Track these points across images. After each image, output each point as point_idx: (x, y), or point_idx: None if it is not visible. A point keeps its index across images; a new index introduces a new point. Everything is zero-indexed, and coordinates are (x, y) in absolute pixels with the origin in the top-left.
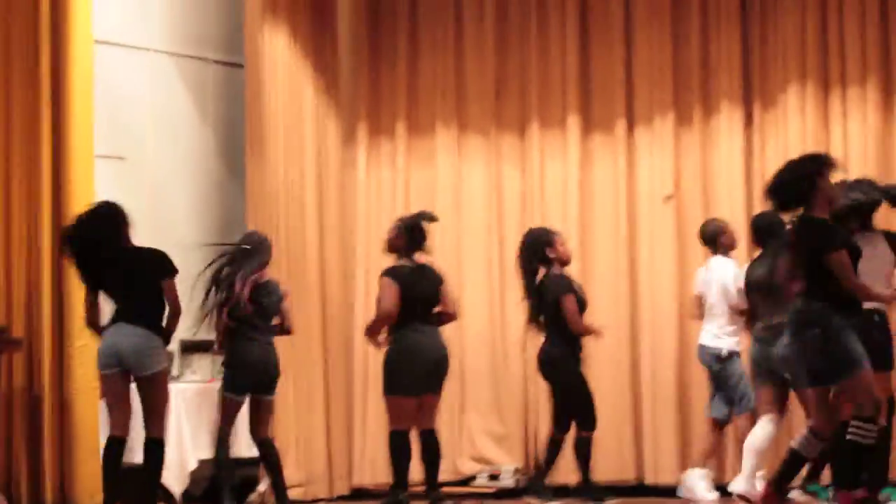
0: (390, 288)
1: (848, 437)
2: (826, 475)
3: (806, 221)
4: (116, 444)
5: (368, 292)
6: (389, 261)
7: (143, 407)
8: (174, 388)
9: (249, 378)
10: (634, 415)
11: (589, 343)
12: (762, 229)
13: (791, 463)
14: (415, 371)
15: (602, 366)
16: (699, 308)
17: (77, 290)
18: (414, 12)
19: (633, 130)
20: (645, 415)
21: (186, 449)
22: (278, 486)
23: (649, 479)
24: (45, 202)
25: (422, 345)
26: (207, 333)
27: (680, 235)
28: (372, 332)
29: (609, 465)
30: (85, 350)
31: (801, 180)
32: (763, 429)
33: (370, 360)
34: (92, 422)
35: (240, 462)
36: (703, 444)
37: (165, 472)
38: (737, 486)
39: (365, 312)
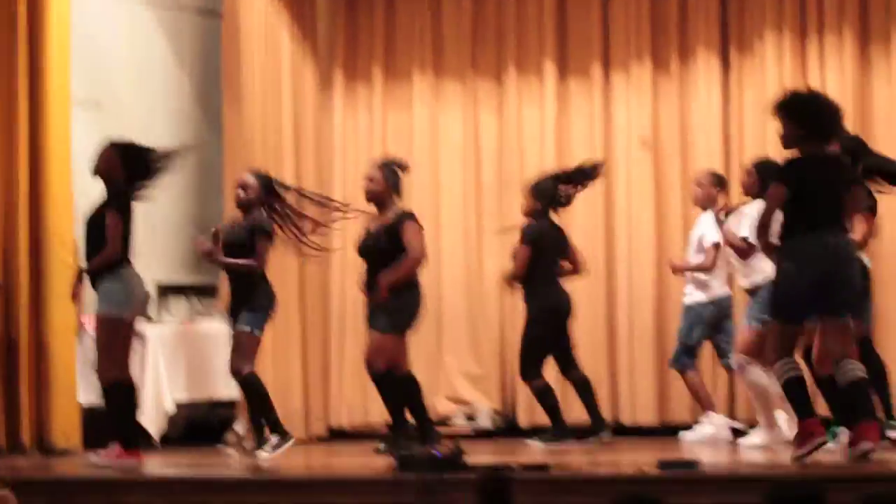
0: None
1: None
2: None
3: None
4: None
5: (345, 235)
6: (365, 205)
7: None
8: (150, 331)
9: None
10: (610, 357)
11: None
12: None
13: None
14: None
15: (578, 309)
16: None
17: (54, 231)
18: None
19: (610, 77)
20: (621, 357)
21: (164, 392)
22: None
23: (626, 420)
24: (23, 147)
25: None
26: (185, 276)
27: (657, 181)
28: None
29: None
30: (62, 295)
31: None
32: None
33: (347, 303)
34: (68, 364)
35: (217, 403)
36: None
37: (143, 416)
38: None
39: (341, 255)
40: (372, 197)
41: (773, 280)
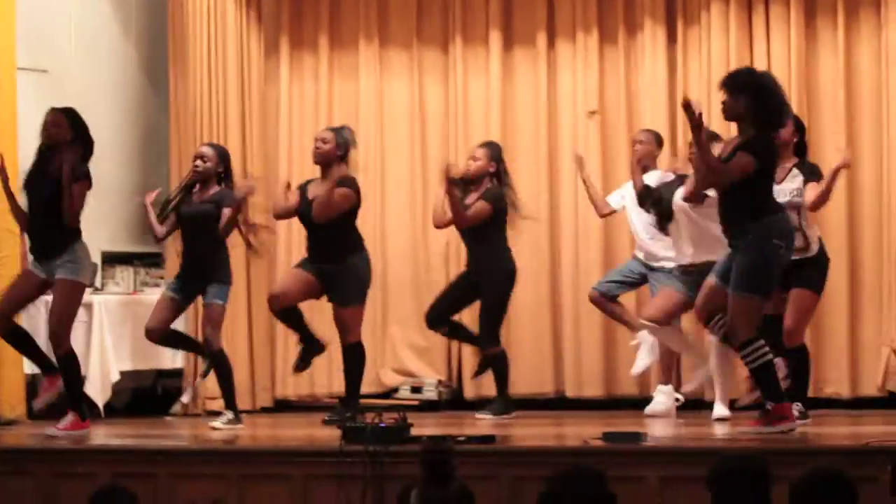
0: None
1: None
2: None
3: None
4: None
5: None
6: (312, 173)
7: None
8: (96, 300)
9: None
10: (554, 328)
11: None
12: None
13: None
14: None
15: (522, 281)
16: None
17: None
18: None
19: (556, 47)
20: (566, 328)
21: (109, 361)
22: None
23: (572, 392)
24: None
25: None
26: (131, 245)
27: (603, 151)
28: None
29: (529, 377)
30: (6, 261)
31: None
32: None
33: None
34: None
35: (162, 373)
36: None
37: (88, 385)
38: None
39: (286, 225)
40: (321, 159)
41: (757, 254)
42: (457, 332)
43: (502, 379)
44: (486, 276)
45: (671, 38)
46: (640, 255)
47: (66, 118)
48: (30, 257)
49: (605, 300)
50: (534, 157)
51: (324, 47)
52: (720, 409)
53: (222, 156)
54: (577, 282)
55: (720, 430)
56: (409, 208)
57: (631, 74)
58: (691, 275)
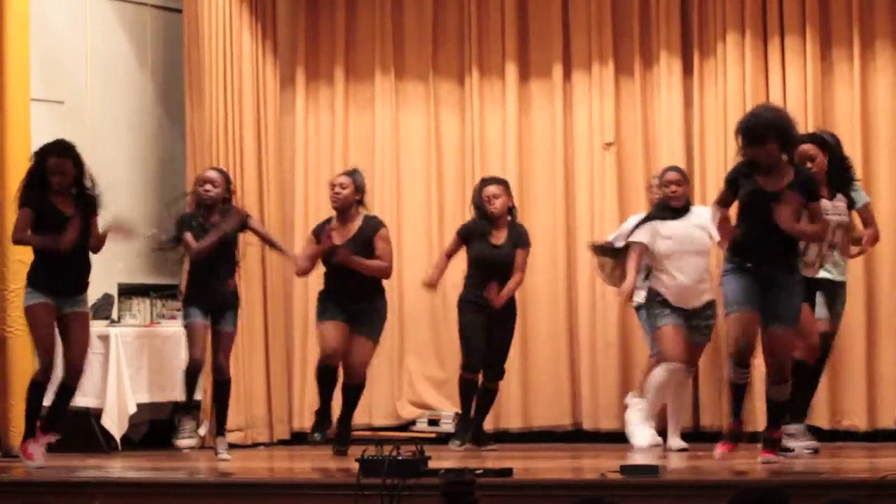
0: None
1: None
2: None
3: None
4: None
5: (306, 235)
6: (327, 206)
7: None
8: (112, 332)
9: None
10: (571, 362)
11: (525, 289)
12: None
13: None
14: None
15: (539, 313)
16: None
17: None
18: None
19: (571, 79)
20: (583, 361)
21: (126, 393)
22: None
23: (588, 425)
24: None
25: None
26: (147, 277)
27: (620, 183)
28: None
29: (546, 410)
30: (19, 293)
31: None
32: None
33: (310, 305)
34: (27, 365)
35: (179, 405)
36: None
37: (105, 417)
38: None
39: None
40: (342, 204)
41: (802, 291)
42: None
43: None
44: (510, 311)
45: (687, 69)
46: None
47: (72, 162)
48: (30, 290)
49: None
50: (550, 188)
51: (339, 78)
52: (678, 441)
53: (227, 181)
54: (594, 314)
55: (737, 464)
56: (425, 239)
57: (647, 106)
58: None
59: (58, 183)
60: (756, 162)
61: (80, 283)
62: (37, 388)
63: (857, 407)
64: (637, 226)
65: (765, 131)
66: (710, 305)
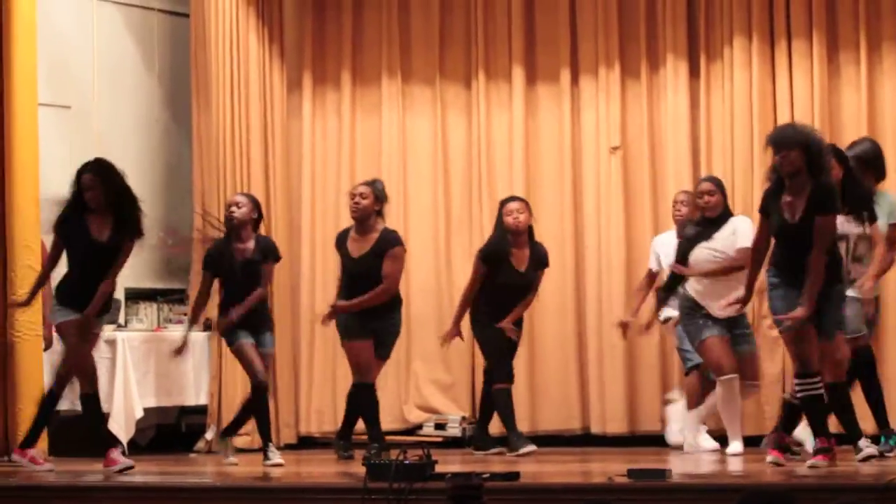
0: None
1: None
2: None
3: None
4: None
5: (314, 240)
6: (334, 211)
7: None
8: (119, 336)
9: None
10: (580, 366)
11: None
12: None
13: None
14: None
15: (547, 317)
16: None
17: (20, 237)
18: None
19: (579, 82)
20: (591, 365)
21: (133, 398)
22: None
23: (596, 429)
24: None
25: None
26: (154, 282)
27: (626, 186)
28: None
29: (554, 414)
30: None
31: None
32: None
33: (316, 311)
34: (35, 369)
35: (186, 410)
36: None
37: (112, 422)
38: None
39: (310, 261)
40: (361, 214)
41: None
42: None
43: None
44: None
45: (693, 72)
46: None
47: (100, 180)
48: (59, 307)
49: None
50: (557, 192)
51: (346, 83)
52: (738, 446)
53: (256, 203)
54: (601, 318)
55: (743, 467)
56: (432, 243)
57: (654, 109)
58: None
59: (90, 199)
60: (780, 171)
61: (106, 304)
62: (91, 400)
63: (864, 411)
64: (683, 248)
65: (790, 139)
66: (744, 315)
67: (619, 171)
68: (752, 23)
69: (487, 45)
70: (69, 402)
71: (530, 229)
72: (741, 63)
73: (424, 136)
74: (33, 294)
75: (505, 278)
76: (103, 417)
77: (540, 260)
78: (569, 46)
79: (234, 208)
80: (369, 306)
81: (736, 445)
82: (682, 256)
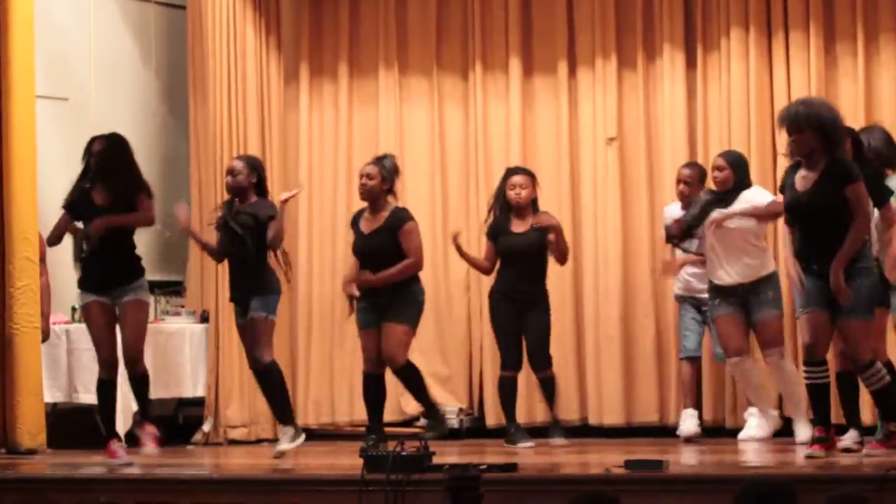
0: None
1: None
2: None
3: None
4: None
5: (311, 232)
6: (331, 202)
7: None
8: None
9: None
10: (577, 356)
11: None
12: None
13: None
14: None
15: None
16: None
17: (18, 228)
18: None
19: (576, 73)
20: (588, 356)
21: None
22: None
23: (593, 420)
24: None
25: None
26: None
27: (623, 177)
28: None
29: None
30: (26, 290)
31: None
32: None
33: (313, 302)
34: (34, 362)
35: (184, 402)
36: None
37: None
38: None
39: (307, 252)
40: (368, 196)
41: (870, 276)
42: None
43: (554, 397)
44: (544, 298)
45: (690, 63)
46: (681, 291)
47: (109, 146)
48: (80, 291)
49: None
50: (555, 183)
51: (343, 74)
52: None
53: (253, 166)
54: (598, 309)
55: (741, 457)
56: (429, 235)
57: (650, 100)
58: (734, 295)
59: (96, 163)
60: (794, 153)
61: (123, 273)
62: (103, 386)
63: (863, 401)
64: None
65: (802, 121)
66: (767, 280)
67: (615, 163)
68: (749, 14)
69: (484, 36)
70: (65, 394)
71: (534, 202)
72: (738, 54)
73: (421, 128)
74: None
75: (505, 244)
76: (107, 407)
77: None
78: (566, 38)
79: (229, 178)
80: (398, 279)
81: (802, 432)
82: (697, 222)
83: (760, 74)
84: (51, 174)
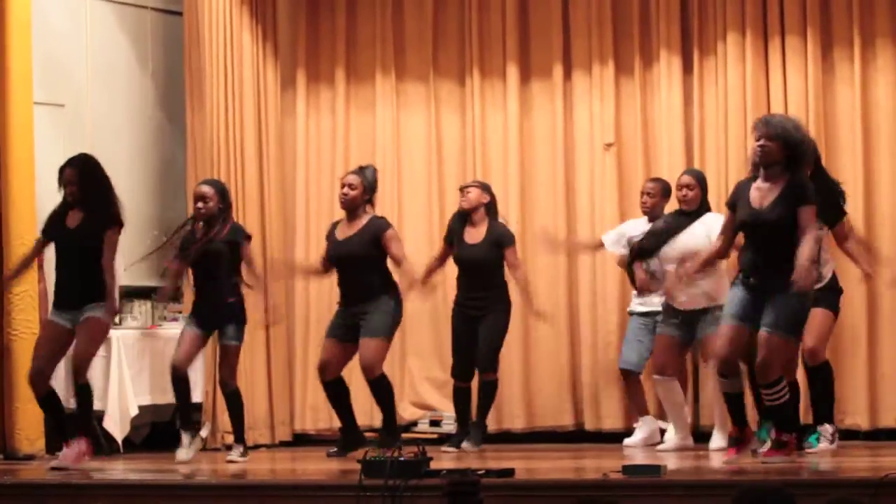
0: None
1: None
2: None
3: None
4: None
5: (308, 238)
6: (328, 209)
7: None
8: (114, 334)
9: None
10: (573, 362)
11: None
12: None
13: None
14: None
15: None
16: None
17: (16, 234)
18: None
19: (572, 79)
20: (584, 362)
21: (128, 395)
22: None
23: (590, 425)
24: None
25: None
26: (149, 279)
27: (620, 183)
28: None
29: (548, 410)
30: (24, 297)
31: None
32: None
33: (310, 308)
34: None
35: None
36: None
37: (107, 419)
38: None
39: (304, 259)
40: (349, 205)
41: (802, 299)
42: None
43: (489, 407)
44: (501, 301)
45: (687, 68)
46: (638, 307)
47: (78, 174)
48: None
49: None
50: (551, 189)
51: (340, 80)
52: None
53: (222, 192)
54: (595, 314)
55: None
56: (426, 240)
57: (647, 105)
58: (678, 317)
59: (70, 194)
60: (755, 158)
61: (83, 296)
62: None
63: (859, 406)
64: (650, 236)
65: (774, 130)
66: (709, 311)
67: (612, 168)
68: (745, 18)
69: (481, 42)
70: (62, 399)
71: (489, 207)
72: (735, 59)
73: (418, 134)
74: (17, 273)
75: (458, 253)
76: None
77: (499, 236)
78: (562, 43)
79: (200, 204)
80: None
81: (716, 439)
82: (653, 249)
83: (757, 79)
84: (48, 180)
